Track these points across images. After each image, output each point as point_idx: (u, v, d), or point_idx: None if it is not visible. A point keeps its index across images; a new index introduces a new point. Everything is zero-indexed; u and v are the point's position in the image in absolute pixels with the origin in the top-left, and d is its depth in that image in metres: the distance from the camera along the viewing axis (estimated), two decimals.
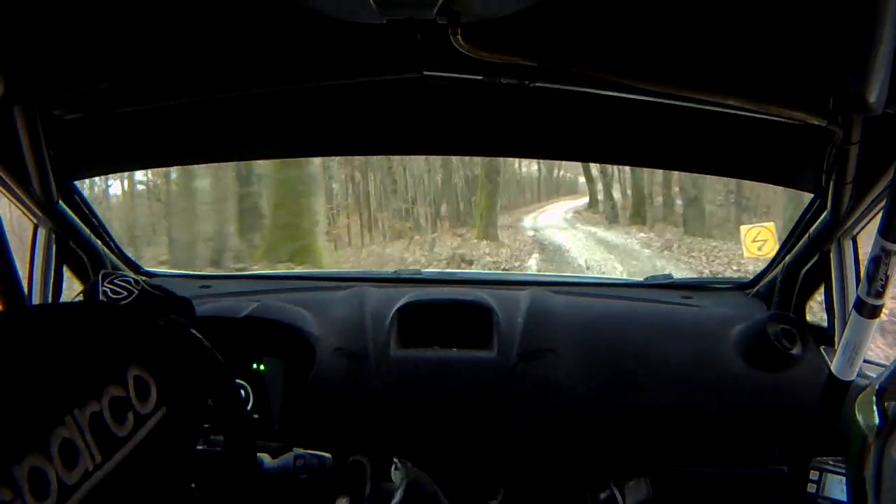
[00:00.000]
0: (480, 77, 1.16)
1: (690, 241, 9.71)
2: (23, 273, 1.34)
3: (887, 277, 1.08)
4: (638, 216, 12.76)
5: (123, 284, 0.70)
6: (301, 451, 1.33)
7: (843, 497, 1.26)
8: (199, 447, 1.23)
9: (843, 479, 1.27)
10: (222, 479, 0.93)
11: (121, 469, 0.47)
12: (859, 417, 0.73)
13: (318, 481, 1.33)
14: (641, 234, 11.22)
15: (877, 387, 0.67)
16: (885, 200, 1.09)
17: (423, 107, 1.38)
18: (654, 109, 1.22)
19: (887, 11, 0.88)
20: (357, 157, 8.99)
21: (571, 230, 12.96)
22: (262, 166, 7.32)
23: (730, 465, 1.42)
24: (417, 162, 11.57)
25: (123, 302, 0.68)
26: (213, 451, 1.20)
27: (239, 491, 0.91)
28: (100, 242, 1.54)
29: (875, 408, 0.65)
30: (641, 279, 1.83)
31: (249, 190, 7.48)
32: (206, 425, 1.21)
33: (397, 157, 10.45)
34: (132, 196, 9.97)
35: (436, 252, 9.78)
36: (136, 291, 0.70)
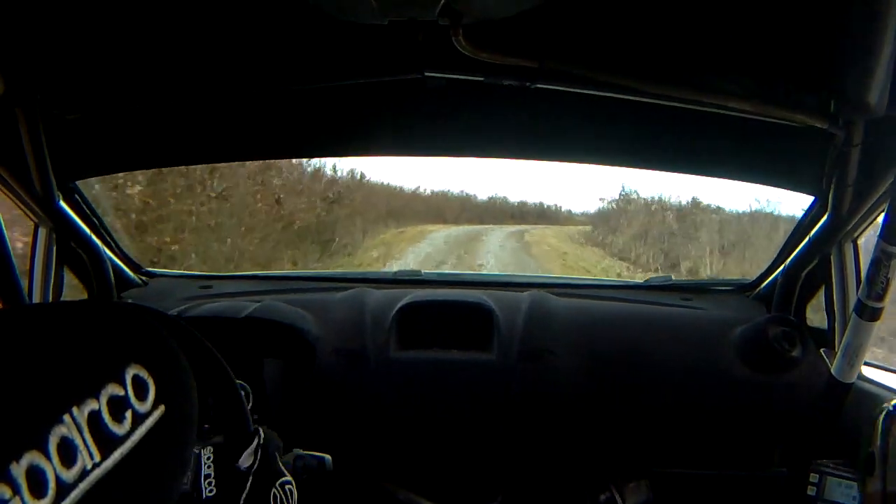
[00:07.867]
0: (482, 78, 1.16)
1: None
2: (23, 273, 1.34)
3: (888, 280, 1.08)
4: None
5: None
6: (301, 451, 1.33)
7: (843, 499, 1.26)
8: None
9: (843, 481, 1.26)
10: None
11: (119, 467, 0.47)
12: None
13: (318, 482, 1.33)
14: None
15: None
16: (886, 203, 1.09)
17: (424, 108, 1.38)
18: (655, 111, 1.22)
19: (889, 14, 0.88)
20: None
21: None
22: None
23: (730, 467, 1.42)
24: None
25: None
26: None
27: (239, 489, 0.91)
28: (100, 242, 1.54)
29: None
30: (642, 281, 1.83)
31: None
32: (206, 425, 1.21)
33: None
34: None
35: None
36: None
